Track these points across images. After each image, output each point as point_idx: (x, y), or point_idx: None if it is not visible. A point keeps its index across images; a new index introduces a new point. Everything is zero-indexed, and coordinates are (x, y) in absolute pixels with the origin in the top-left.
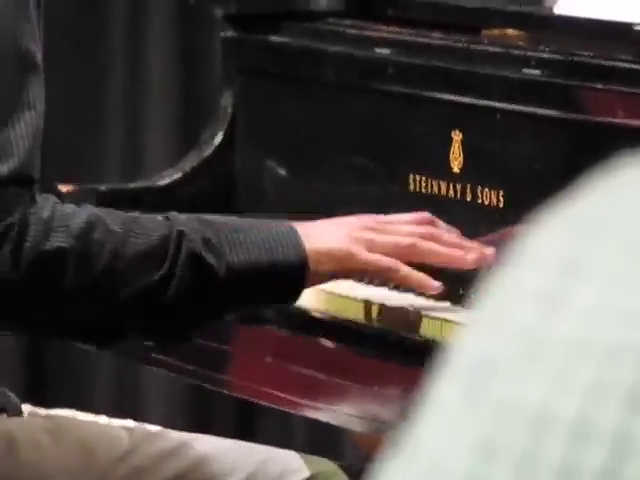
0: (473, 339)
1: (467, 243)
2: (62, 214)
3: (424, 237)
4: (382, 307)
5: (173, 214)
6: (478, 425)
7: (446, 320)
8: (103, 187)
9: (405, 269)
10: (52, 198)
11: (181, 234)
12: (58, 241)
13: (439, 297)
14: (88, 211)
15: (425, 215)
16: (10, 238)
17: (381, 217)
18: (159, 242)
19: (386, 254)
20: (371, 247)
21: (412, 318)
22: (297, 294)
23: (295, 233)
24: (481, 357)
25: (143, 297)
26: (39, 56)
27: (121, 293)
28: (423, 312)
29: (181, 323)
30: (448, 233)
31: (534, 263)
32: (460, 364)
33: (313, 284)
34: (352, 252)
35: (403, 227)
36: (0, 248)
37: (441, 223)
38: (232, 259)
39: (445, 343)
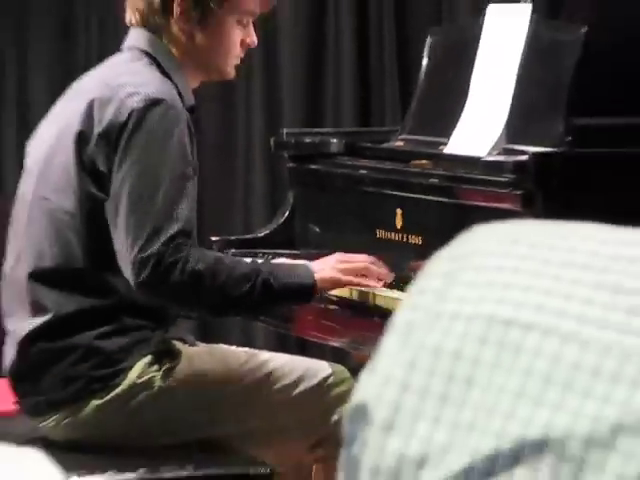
0: (403, 311)
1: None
2: (202, 254)
3: (370, 265)
4: (365, 292)
5: (255, 260)
6: (406, 356)
7: (392, 298)
8: (232, 237)
9: (363, 282)
10: (202, 249)
11: (259, 269)
12: (199, 267)
13: (389, 287)
14: (215, 254)
15: (368, 256)
16: (179, 264)
17: (348, 256)
18: (248, 272)
19: (353, 275)
20: (345, 272)
21: (374, 297)
22: (310, 299)
23: (310, 269)
24: (406, 320)
25: (240, 299)
26: (192, 173)
27: (230, 296)
28: (380, 293)
29: (255, 311)
30: (377, 265)
31: (431, 274)
32: (397, 323)
33: (324, 292)
34: (337, 277)
35: (360, 261)
36: (175, 268)
37: (376, 259)
38: (279, 283)
39: (392, 312)
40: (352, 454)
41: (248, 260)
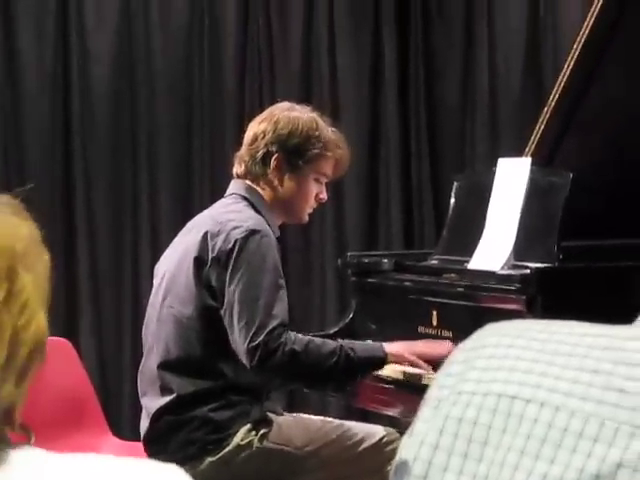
0: (433, 389)
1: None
2: (297, 338)
3: (430, 353)
4: (409, 373)
5: (340, 340)
6: (437, 423)
7: (430, 378)
8: (310, 334)
9: (419, 362)
10: (297, 334)
11: (341, 345)
12: (295, 347)
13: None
14: (307, 338)
15: (440, 345)
16: (281, 347)
17: (413, 342)
18: (334, 348)
19: (416, 356)
20: (411, 353)
21: (419, 378)
22: (382, 367)
23: (381, 345)
24: (436, 396)
25: (328, 370)
26: (283, 283)
27: (321, 368)
28: (424, 375)
29: (340, 381)
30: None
31: (454, 361)
32: (429, 398)
33: (392, 363)
34: (403, 354)
35: (420, 346)
36: (277, 351)
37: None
38: (357, 355)
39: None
40: None
41: (333, 341)
